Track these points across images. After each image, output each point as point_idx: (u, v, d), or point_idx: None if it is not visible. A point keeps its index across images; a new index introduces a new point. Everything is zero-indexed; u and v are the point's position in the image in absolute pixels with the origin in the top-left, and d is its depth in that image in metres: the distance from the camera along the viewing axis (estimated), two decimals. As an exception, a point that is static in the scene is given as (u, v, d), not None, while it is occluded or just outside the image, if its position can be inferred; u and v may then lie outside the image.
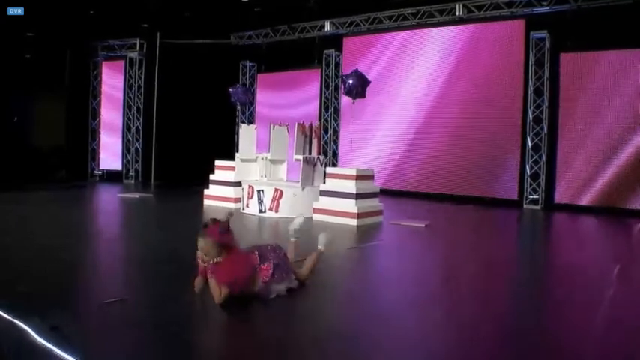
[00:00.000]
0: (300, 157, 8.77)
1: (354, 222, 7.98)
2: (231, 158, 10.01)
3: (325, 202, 8.40)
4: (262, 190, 8.76)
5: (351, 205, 8.09)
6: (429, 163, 12.41)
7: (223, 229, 3.75)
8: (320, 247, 4.59)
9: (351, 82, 8.28)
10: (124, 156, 15.09)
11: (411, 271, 5.38)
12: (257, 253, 3.97)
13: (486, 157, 11.70)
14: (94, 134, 15.42)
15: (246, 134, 9.84)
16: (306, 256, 4.46)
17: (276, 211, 8.62)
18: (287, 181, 9.69)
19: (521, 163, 11.44)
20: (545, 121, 11.21)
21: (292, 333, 3.33)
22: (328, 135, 14.20)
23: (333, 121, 14.21)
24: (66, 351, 2.67)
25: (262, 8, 13.89)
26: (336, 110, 14.14)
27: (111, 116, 15.23)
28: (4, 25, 13.71)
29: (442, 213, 10.22)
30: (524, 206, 11.27)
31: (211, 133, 14.86)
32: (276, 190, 8.64)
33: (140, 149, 15.05)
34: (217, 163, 10.09)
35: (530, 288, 4.63)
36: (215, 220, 3.78)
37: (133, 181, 14.82)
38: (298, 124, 9.04)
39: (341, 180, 8.35)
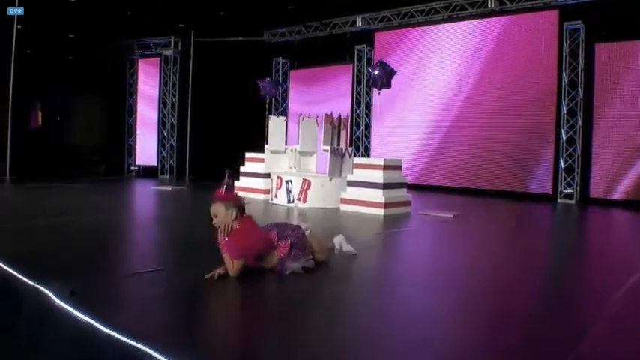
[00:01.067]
0: (328, 147, 8.84)
1: (381, 212, 7.99)
2: (262, 151, 10.27)
3: (353, 192, 8.43)
4: (290, 181, 8.86)
5: (378, 195, 8.11)
6: (461, 158, 12.33)
7: (226, 187, 3.81)
8: (335, 245, 4.62)
9: (376, 72, 8.31)
10: (159, 152, 15.43)
11: (437, 257, 5.37)
12: (275, 231, 4.03)
13: (519, 150, 11.55)
14: (131, 131, 15.82)
15: (276, 126, 9.96)
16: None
17: (304, 202, 8.70)
18: (317, 172, 9.78)
19: (555, 156, 11.25)
20: (579, 113, 10.99)
21: (303, 314, 3.19)
22: (360, 130, 14.25)
23: (365, 116, 14.24)
24: (83, 313, 2.77)
25: (295, 5, 14.05)
26: (368, 105, 14.17)
27: (146, 113, 15.60)
28: (47, 28, 14.25)
29: (472, 206, 10.12)
30: (559, 200, 11.08)
31: (244, 129, 15.05)
32: (304, 180, 8.73)
33: (175, 145, 15.36)
34: (247, 155, 10.24)
35: (561, 278, 4.53)
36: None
37: (167, 176, 15.15)
38: (326, 115, 9.11)
39: (368, 170, 8.37)
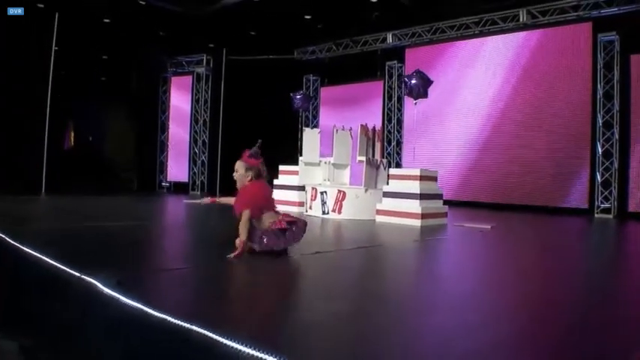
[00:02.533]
0: (363, 158, 8.86)
1: (417, 222, 7.94)
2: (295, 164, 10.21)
3: (388, 204, 8.41)
4: (325, 192, 8.89)
5: (414, 206, 8.07)
6: (495, 173, 12.24)
7: (252, 154, 4.46)
8: None
9: (413, 82, 8.33)
10: (190, 168, 15.61)
11: (476, 265, 5.32)
12: (283, 215, 4.44)
13: (555, 165, 11.44)
14: (162, 147, 16.05)
15: (310, 138, 10.02)
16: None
17: (339, 213, 8.71)
18: (350, 185, 9.78)
19: (591, 170, 11.11)
20: (615, 126, 10.86)
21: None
22: (391, 146, 14.25)
23: (396, 132, 14.25)
24: (132, 299, 2.84)
25: (325, 24, 14.23)
26: (399, 122, 14.19)
27: (178, 130, 15.84)
28: (81, 51, 14.65)
29: (508, 220, 9.98)
30: (596, 215, 10.90)
31: (275, 146, 15.14)
32: (339, 191, 8.75)
33: (206, 161, 15.54)
34: (281, 167, 10.29)
35: (606, 294, 4.40)
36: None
37: (198, 192, 15.30)
38: (361, 126, 9.15)
39: (405, 181, 8.35)
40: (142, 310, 2.72)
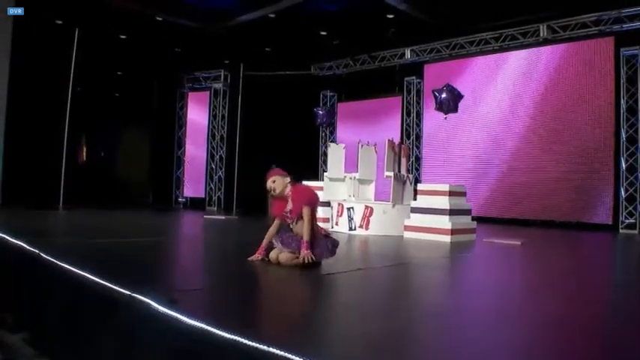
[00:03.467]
0: (391, 173, 8.82)
1: (447, 238, 7.87)
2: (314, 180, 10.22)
3: (417, 219, 8.35)
4: (352, 208, 8.84)
5: (444, 222, 8.00)
6: (518, 188, 12.17)
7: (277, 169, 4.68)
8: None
9: (443, 95, 8.33)
10: (207, 184, 15.61)
11: (512, 281, 5.24)
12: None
13: (578, 180, 11.37)
14: (179, 162, 16.07)
15: (335, 153, 9.99)
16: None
17: (367, 229, 8.65)
18: (374, 200, 9.73)
19: (615, 185, 11.03)
20: (639, 141, 10.83)
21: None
22: (410, 162, 14.18)
23: (415, 148, 14.22)
24: (193, 318, 2.76)
25: (341, 40, 14.29)
26: (418, 137, 14.17)
27: (195, 145, 15.86)
28: (97, 67, 14.73)
29: (535, 236, 9.88)
30: (620, 230, 10.81)
31: (293, 161, 15.14)
32: (366, 207, 8.70)
33: (223, 177, 15.52)
34: (304, 183, 10.24)
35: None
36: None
37: (215, 208, 15.27)
38: (388, 140, 9.11)
39: (433, 196, 8.30)
40: (206, 330, 2.64)
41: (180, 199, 15.94)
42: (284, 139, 15.30)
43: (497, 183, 12.45)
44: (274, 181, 4.56)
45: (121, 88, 17.33)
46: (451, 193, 8.20)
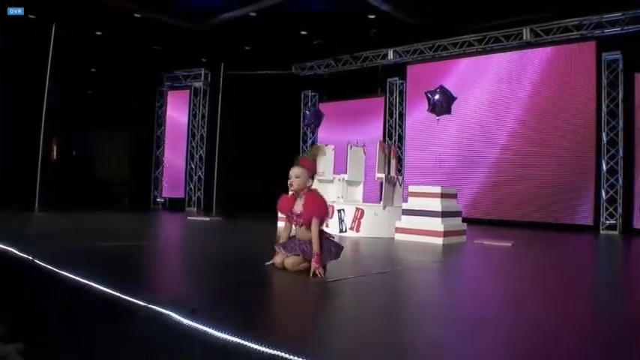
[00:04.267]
0: (382, 175, 8.77)
1: (439, 240, 7.86)
2: None
3: (408, 221, 8.31)
4: (343, 210, 8.76)
5: (436, 224, 7.99)
6: (500, 190, 12.27)
7: (312, 158, 4.51)
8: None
9: (436, 97, 8.30)
10: (186, 184, 15.35)
11: (509, 284, 5.23)
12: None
13: (559, 182, 11.52)
14: (158, 162, 15.77)
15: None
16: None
17: (357, 231, 8.59)
18: (363, 202, 9.68)
19: (596, 187, 11.20)
20: (620, 143, 11.00)
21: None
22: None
23: (398, 150, 14.20)
24: (223, 331, 2.65)
25: (322, 40, 14.20)
26: (400, 138, 14.17)
27: (174, 145, 15.58)
28: (72, 64, 14.30)
29: (521, 237, 9.95)
30: (601, 232, 10.97)
31: (274, 162, 15.03)
32: (357, 209, 8.63)
33: (202, 177, 15.28)
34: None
35: None
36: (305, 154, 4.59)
37: (195, 209, 15.02)
38: (380, 142, 9.07)
39: (425, 198, 8.27)
40: (231, 341, 2.53)
41: (158, 200, 15.65)
42: (265, 139, 15.17)
43: (481, 184, 12.54)
44: (298, 177, 4.35)
45: (98, 85, 16.92)
46: (443, 195, 8.19)
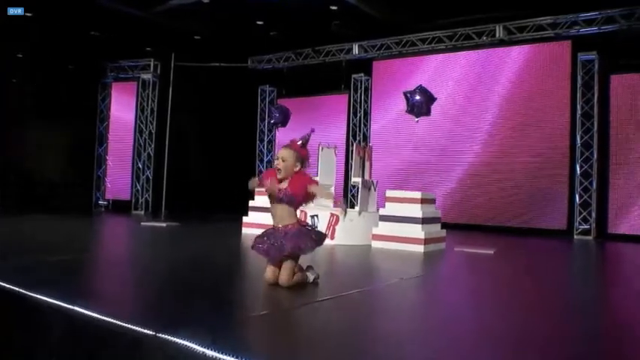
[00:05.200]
0: (359, 179, 8.58)
1: (420, 248, 7.74)
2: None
3: (386, 228, 8.15)
4: (317, 215, 8.52)
5: (417, 231, 7.87)
6: (472, 193, 12.30)
7: (303, 143, 4.42)
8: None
9: (417, 98, 8.18)
10: (133, 185, 14.74)
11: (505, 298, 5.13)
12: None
13: (533, 185, 11.64)
14: (100, 161, 15.09)
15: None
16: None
17: (332, 238, 8.36)
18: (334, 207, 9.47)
19: (570, 191, 11.37)
20: (594, 146, 11.20)
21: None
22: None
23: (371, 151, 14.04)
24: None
25: (280, 31, 13.89)
26: (365, 138, 14.03)
27: (120, 142, 14.95)
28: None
29: (499, 242, 9.93)
30: (575, 236, 11.15)
31: (228, 160, 14.67)
32: (332, 215, 8.41)
33: (151, 177, 14.71)
34: (257, 188, 9.84)
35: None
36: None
37: (142, 212, 14.43)
38: (356, 144, 8.90)
39: (404, 204, 8.14)
40: None
41: (101, 202, 14.96)
42: (219, 137, 14.78)
43: (452, 188, 12.54)
44: (284, 160, 4.26)
45: (24, 74, 15.96)
46: (423, 201, 8.08)
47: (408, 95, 8.57)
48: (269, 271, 4.26)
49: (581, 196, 11.28)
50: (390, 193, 8.48)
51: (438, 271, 6.71)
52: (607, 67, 11.07)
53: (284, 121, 11.77)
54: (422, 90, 8.41)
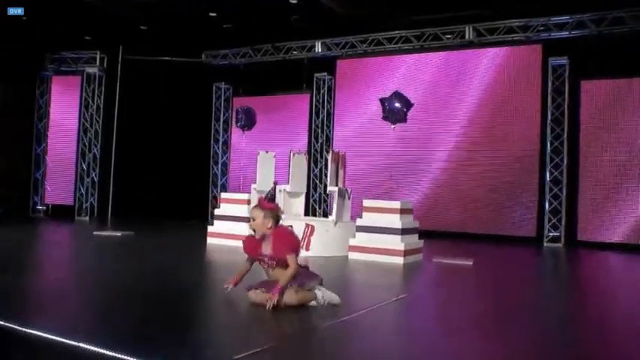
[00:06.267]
0: (335, 188, 8.69)
1: (400, 260, 7.94)
2: (206, 192, 9.91)
3: (364, 239, 8.31)
4: (291, 226, 8.54)
5: (396, 242, 8.05)
6: (440, 200, 12.58)
7: (268, 198, 5.18)
8: (318, 298, 4.68)
9: (396, 105, 8.34)
10: (76, 188, 14.37)
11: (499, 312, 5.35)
12: None
13: (502, 191, 12.02)
14: (39, 162, 14.63)
15: (264, 162, 9.64)
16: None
17: (307, 250, 8.42)
18: (304, 216, 9.57)
19: (539, 197, 11.81)
20: (564, 152, 11.66)
21: None
22: (318, 168, 14.09)
23: (325, 152, 14.13)
24: None
25: (235, 25, 13.79)
26: (328, 140, 14.12)
27: (61, 141, 14.55)
28: None
29: (470, 251, 10.21)
30: (545, 244, 11.58)
31: (182, 163, 14.52)
32: (307, 225, 8.49)
33: (96, 180, 14.39)
34: (224, 195, 9.94)
35: None
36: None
37: (87, 217, 14.10)
38: (333, 151, 9.00)
39: (382, 214, 8.30)
40: None
41: (39, 207, 14.51)
42: (171, 137, 14.60)
43: (420, 195, 12.77)
44: (254, 219, 4.67)
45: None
46: (402, 211, 8.26)
47: (385, 102, 8.72)
48: (256, 296, 4.59)
49: (550, 203, 11.73)
50: (367, 203, 8.64)
51: (424, 289, 6.87)
52: (578, 72, 11.53)
53: (250, 123, 11.72)
54: (399, 96, 8.59)
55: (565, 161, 11.68)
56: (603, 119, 11.31)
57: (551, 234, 11.71)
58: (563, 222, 11.66)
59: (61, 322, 3.82)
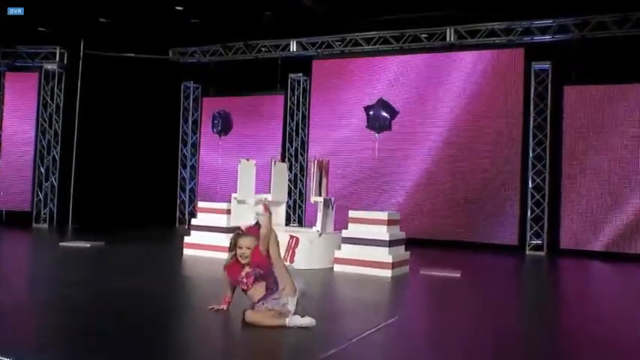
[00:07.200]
0: (320, 199, 8.83)
1: (387, 273, 8.12)
2: (174, 197, 10.13)
3: (349, 251, 8.48)
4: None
5: (383, 254, 8.23)
6: (422, 207, 12.82)
7: (256, 223, 5.14)
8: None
9: (383, 113, 8.52)
10: (34, 193, 14.17)
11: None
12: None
13: (484, 199, 12.32)
14: (-9, 165, 14.43)
15: (246, 171, 9.70)
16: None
17: (291, 262, 8.57)
18: (285, 226, 9.69)
19: (521, 204, 12.15)
20: (547, 158, 12.04)
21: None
22: (293, 173, 14.16)
23: (299, 156, 14.26)
24: None
25: (203, 20, 13.78)
26: (303, 144, 14.24)
27: (16, 143, 14.34)
28: None
29: (453, 261, 10.43)
30: (527, 252, 11.94)
31: (148, 166, 14.45)
32: (291, 237, 8.62)
33: (56, 184, 14.22)
34: (201, 205, 9.97)
35: None
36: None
37: (46, 225, 13.93)
38: (317, 160, 9.12)
39: (369, 225, 8.48)
40: None
41: (-10, 213, 14.30)
42: (136, 138, 14.50)
43: (401, 202, 12.97)
44: (240, 247, 4.91)
45: None
46: (389, 222, 8.45)
47: (370, 111, 8.89)
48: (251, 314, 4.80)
49: (532, 211, 12.10)
50: (353, 214, 8.80)
51: (415, 308, 6.90)
52: (561, 77, 11.91)
53: (227, 129, 11.77)
54: (384, 104, 8.77)
55: (547, 168, 12.06)
56: (587, 125, 11.72)
57: (533, 242, 12.08)
58: (545, 230, 12.03)
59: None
